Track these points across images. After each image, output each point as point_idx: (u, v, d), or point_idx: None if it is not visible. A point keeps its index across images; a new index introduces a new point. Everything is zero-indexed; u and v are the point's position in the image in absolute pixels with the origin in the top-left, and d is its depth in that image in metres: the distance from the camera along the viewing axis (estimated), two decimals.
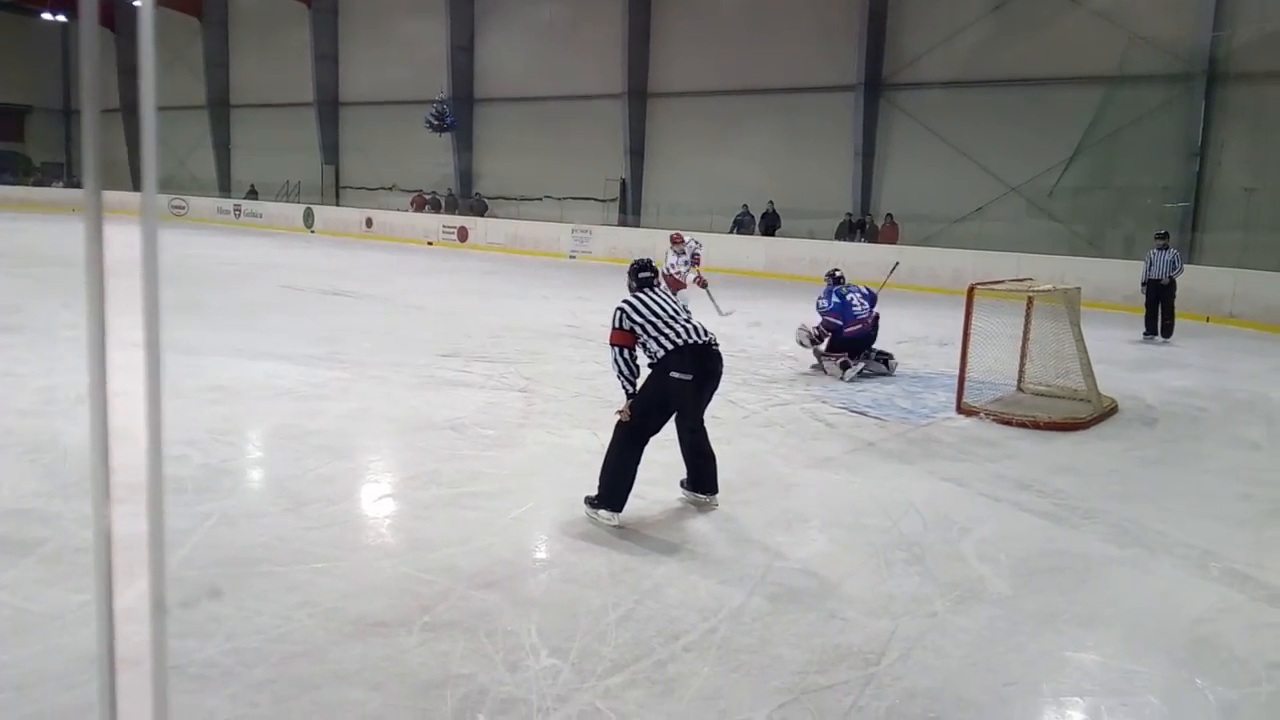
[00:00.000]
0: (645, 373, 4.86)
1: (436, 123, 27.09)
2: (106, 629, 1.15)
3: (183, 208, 32.82)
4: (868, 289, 9.46)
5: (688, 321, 4.90)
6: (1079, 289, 8.67)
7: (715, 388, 5.04)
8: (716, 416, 6.01)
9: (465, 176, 29.40)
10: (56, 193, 33.74)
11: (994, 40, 19.78)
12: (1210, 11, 17.37)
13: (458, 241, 26.19)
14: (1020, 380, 8.58)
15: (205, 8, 34.33)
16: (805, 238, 21.32)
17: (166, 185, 33.54)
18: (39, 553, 4.04)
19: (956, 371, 7.89)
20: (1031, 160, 19.28)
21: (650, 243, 21.23)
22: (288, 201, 31.88)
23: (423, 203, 29.16)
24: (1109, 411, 7.88)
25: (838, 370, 8.85)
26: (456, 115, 27.69)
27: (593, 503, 4.78)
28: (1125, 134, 18.30)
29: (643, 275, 5.11)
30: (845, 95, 21.82)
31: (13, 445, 5.60)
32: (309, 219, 29.98)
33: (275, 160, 32.86)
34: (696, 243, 12.17)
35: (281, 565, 4.04)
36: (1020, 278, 9.14)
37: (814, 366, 9.29)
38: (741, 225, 22.39)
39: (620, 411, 4.85)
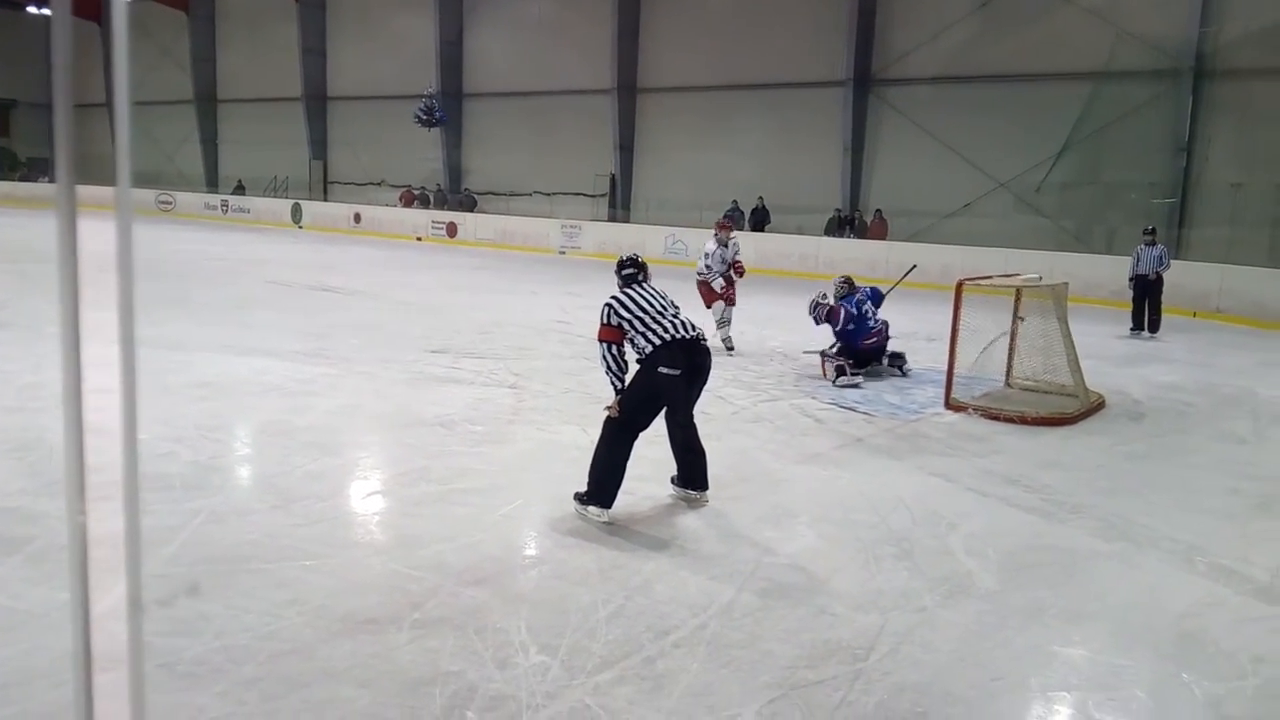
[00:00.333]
0: (634, 369, 4.86)
1: (425, 118, 27.01)
2: (82, 627, 1.14)
3: (170, 203, 32.65)
4: (873, 289, 9.35)
5: (675, 316, 4.90)
6: (1066, 284, 8.70)
7: (704, 383, 5.05)
8: (706, 412, 6.02)
9: (454, 172, 29.33)
10: (42, 188, 33.49)
11: (982, 36, 19.83)
12: (1197, 7, 17.46)
13: (447, 237, 26.13)
14: (1008, 375, 8.61)
15: (192, 2, 34.11)
16: (795, 233, 21.35)
17: (154, 181, 33.36)
18: (25, 551, 4.02)
19: (945, 367, 7.91)
20: (1019, 156, 19.35)
21: (640, 238, 21.30)
22: (276, 197, 31.74)
23: (411, 198, 29.08)
24: (1096, 406, 7.92)
25: (832, 372, 8.54)
26: (445, 110, 27.61)
27: (582, 499, 4.78)
28: (1113, 130, 18.38)
29: (628, 271, 5.11)
30: (835, 91, 21.85)
31: None
32: (297, 214, 29.86)
33: (263, 155, 32.71)
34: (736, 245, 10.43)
35: (270, 562, 4.03)
36: (1008, 273, 9.13)
37: (820, 357, 8.98)
38: (731, 219, 22.39)
39: (609, 408, 4.85)
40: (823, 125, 22.14)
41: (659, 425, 4.95)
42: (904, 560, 4.44)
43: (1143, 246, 12.91)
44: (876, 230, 20.98)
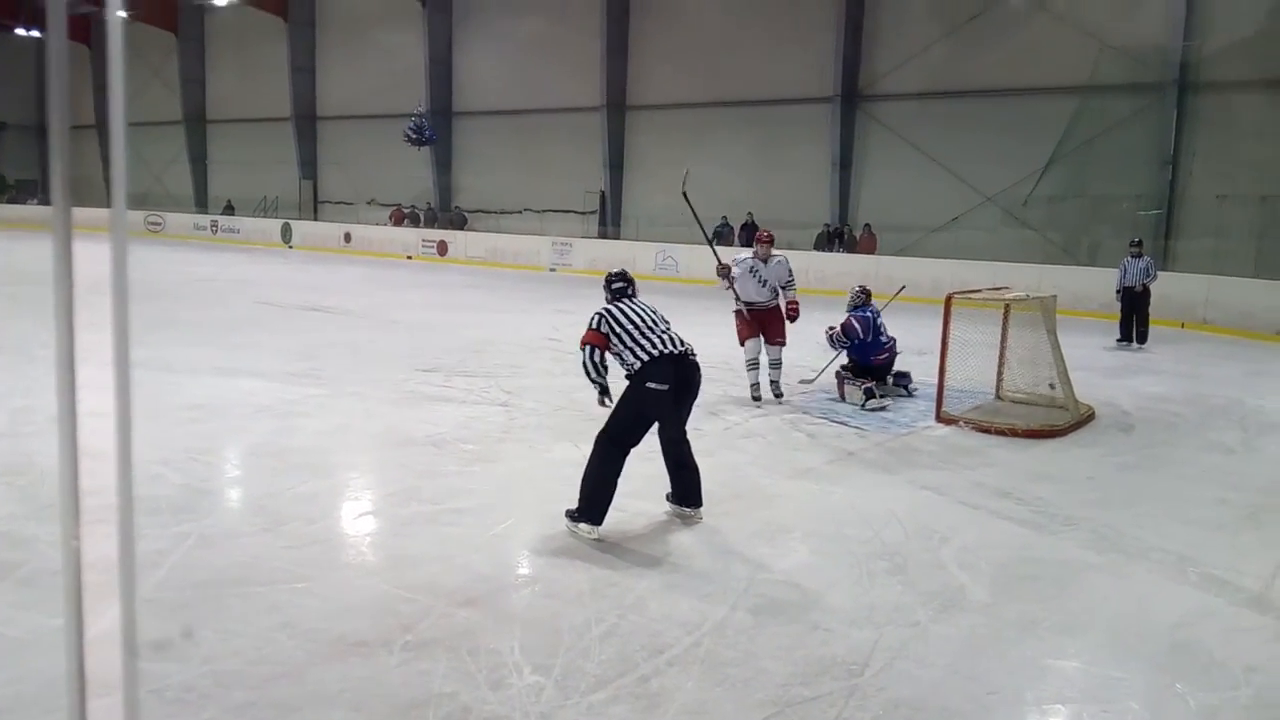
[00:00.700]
0: (623, 385, 4.87)
1: (415, 136, 27.05)
2: (76, 653, 1.14)
3: (159, 224, 32.59)
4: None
5: (665, 332, 4.92)
6: (1054, 297, 8.74)
7: (694, 398, 5.06)
8: (698, 429, 6.02)
9: (444, 190, 29.37)
10: (30, 210, 33.40)
11: (968, 51, 19.99)
12: (1180, 21, 17.64)
13: (437, 255, 26.14)
14: (998, 388, 8.64)
15: (181, 23, 34.17)
16: (784, 248, 21.35)
17: (143, 202, 33.31)
18: (14, 576, 3.99)
19: (935, 381, 7.93)
20: (1006, 170, 19.48)
21: (631, 254, 21.36)
22: (265, 217, 31.72)
23: (401, 217, 29.10)
24: (1086, 418, 7.95)
25: (860, 397, 8.21)
26: (435, 129, 27.66)
27: (573, 516, 4.77)
28: (1098, 143, 18.53)
29: (617, 285, 5.14)
30: (822, 107, 21.99)
31: None
32: (287, 234, 29.84)
33: (252, 175, 32.70)
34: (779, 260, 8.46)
35: (260, 585, 4.01)
36: (997, 287, 9.17)
37: (836, 379, 8.66)
38: (721, 236, 22.46)
39: (601, 402, 4.93)
40: (811, 141, 22.26)
41: (651, 442, 4.95)
42: (897, 575, 4.44)
43: (1129, 259, 13.00)
44: (866, 244, 21.07)
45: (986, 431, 7.43)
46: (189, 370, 8.62)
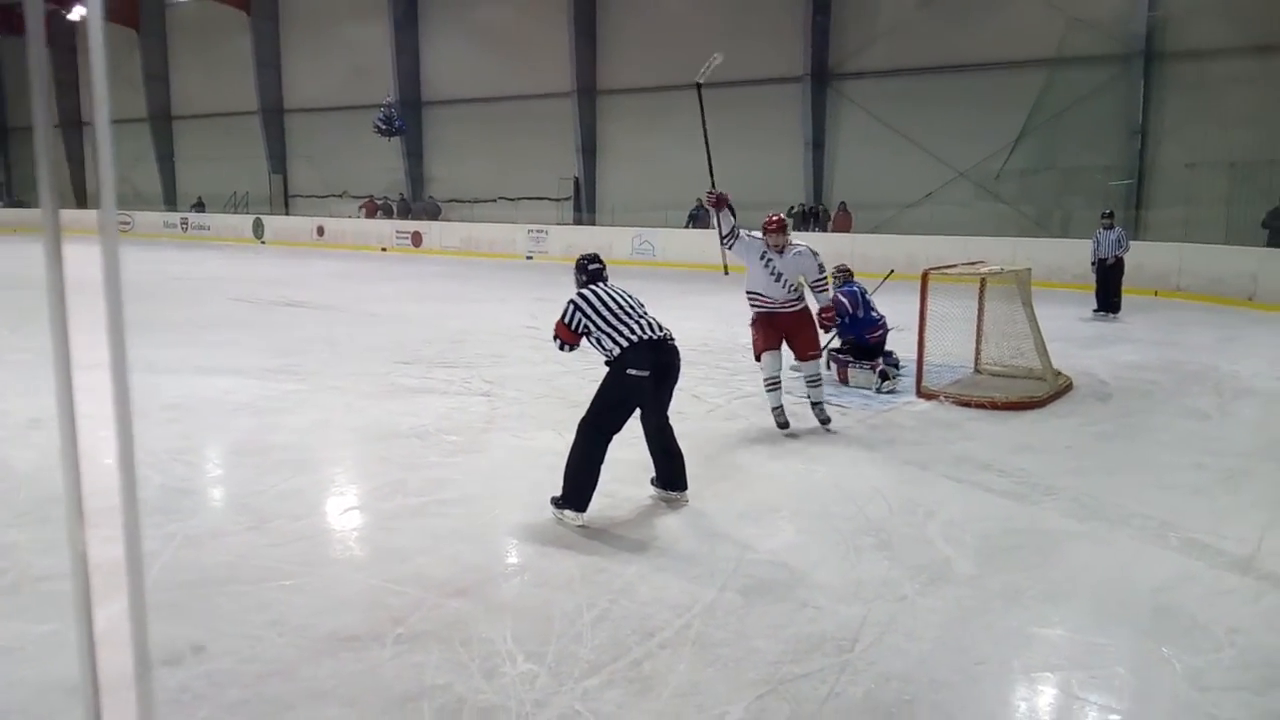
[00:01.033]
0: (602, 371, 4.87)
1: (385, 127, 26.80)
2: (89, 656, 1.13)
3: (128, 223, 32.15)
4: (860, 287, 9.18)
5: (642, 316, 4.89)
6: (1029, 270, 8.81)
7: (674, 382, 5.04)
8: (681, 411, 6.03)
9: (417, 180, 29.14)
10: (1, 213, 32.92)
11: (937, 28, 20.02)
12: None
13: (412, 247, 25.98)
14: (977, 362, 8.71)
15: (142, 18, 33.59)
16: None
17: None
18: None
19: (915, 356, 7.98)
20: (978, 145, 19.55)
21: (607, 240, 21.32)
22: (236, 212, 31.37)
23: (374, 208, 28.86)
24: (1064, 389, 8.03)
25: (874, 379, 8.06)
26: (405, 119, 27.42)
27: (558, 503, 4.77)
28: (1068, 115, 18.63)
29: (593, 268, 5.06)
30: (793, 86, 21.99)
31: None
32: (259, 229, 29.54)
33: (221, 171, 32.29)
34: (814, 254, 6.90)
35: (249, 584, 3.99)
36: (972, 261, 9.23)
37: (832, 362, 8.44)
38: (696, 219, 22.46)
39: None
40: (783, 121, 22.26)
41: (634, 428, 4.95)
42: (883, 550, 4.48)
43: (1101, 230, 13.11)
44: (841, 223, 21.13)
45: (967, 405, 7.49)
46: (166, 370, 8.53)
